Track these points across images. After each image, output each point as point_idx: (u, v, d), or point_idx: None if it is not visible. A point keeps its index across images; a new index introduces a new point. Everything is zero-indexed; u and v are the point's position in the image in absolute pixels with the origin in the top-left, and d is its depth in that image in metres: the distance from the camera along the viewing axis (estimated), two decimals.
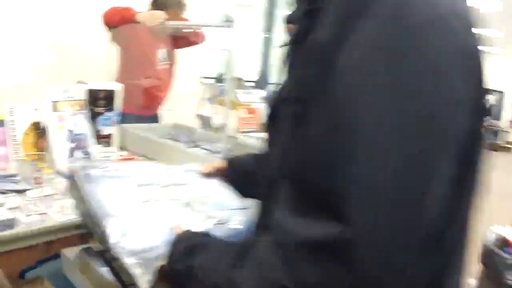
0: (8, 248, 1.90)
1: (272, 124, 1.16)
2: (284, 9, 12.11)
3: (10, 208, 1.98)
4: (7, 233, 1.83)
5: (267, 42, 8.60)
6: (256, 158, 1.54)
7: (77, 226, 1.99)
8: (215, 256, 1.02)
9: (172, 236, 1.12)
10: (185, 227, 1.17)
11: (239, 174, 1.55)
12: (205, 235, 1.16)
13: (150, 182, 1.40)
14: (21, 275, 2.72)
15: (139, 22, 3.45)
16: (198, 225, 1.23)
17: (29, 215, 1.94)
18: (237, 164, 1.60)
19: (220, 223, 1.29)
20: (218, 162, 1.62)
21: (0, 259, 2.62)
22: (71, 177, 1.38)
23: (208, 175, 1.55)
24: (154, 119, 4.07)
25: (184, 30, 4.14)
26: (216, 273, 0.97)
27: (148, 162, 2.89)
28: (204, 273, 1.00)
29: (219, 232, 1.22)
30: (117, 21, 3.59)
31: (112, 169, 1.43)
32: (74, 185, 1.34)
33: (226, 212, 1.36)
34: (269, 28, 8.54)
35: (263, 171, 1.20)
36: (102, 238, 1.14)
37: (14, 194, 2.17)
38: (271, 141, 1.19)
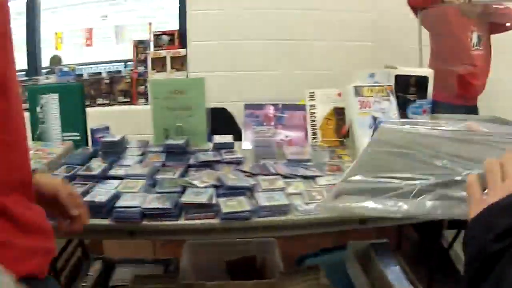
0: (283, 233, 1.78)
1: None
2: None
3: (291, 194, 1.85)
4: (278, 219, 1.70)
5: None
6: None
7: (361, 221, 1.76)
8: None
9: None
10: None
11: None
12: None
13: None
14: (300, 261, 2.64)
15: (445, 1, 3.12)
16: None
17: (308, 203, 1.76)
18: None
19: None
20: None
21: (285, 244, 2.63)
22: None
23: None
24: (471, 110, 3.61)
25: (495, 13, 3.68)
26: None
27: None
28: None
29: None
30: (423, 2, 3.33)
31: None
32: None
33: None
34: None
35: None
36: None
37: (300, 179, 2.03)
38: None
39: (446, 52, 3.55)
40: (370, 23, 4.28)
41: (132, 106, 3.85)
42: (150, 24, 4.23)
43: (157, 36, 3.98)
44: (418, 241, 3.48)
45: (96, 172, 1.93)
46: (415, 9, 3.45)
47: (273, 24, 4.00)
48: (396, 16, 4.21)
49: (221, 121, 2.65)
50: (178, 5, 4.01)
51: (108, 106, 3.88)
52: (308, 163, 2.25)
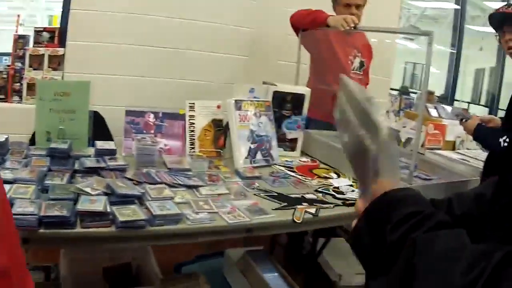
0: (172, 242, 1.85)
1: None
2: (472, 25, 11.61)
3: (179, 203, 1.93)
4: (172, 227, 1.77)
5: (454, 57, 8.21)
6: (447, 203, 1.35)
7: (247, 230, 1.91)
8: (445, 249, 0.84)
9: None
10: None
11: None
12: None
13: None
14: (177, 269, 2.73)
15: (329, 26, 3.26)
16: None
17: (198, 212, 1.88)
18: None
19: None
20: None
21: (160, 252, 2.70)
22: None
23: None
24: None
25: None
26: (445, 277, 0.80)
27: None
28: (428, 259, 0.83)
29: None
30: (307, 23, 3.42)
31: None
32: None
33: None
34: (457, 43, 8.14)
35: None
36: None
37: (185, 188, 2.13)
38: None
39: (324, 73, 3.71)
40: (248, 36, 4.40)
41: (6, 104, 3.70)
42: (18, 16, 4.06)
43: (38, 32, 3.85)
44: (288, 247, 3.65)
45: None
46: (297, 29, 3.54)
47: (156, 31, 3.99)
48: (274, 31, 4.38)
49: (95, 125, 2.65)
50: (62, 1, 3.89)
51: None
52: (189, 173, 2.34)
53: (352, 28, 3.08)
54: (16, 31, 3.84)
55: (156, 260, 2.62)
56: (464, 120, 3.16)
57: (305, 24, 3.42)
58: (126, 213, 1.69)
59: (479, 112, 10.46)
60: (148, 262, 2.60)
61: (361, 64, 3.77)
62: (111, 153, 2.36)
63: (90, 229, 1.65)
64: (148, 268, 2.58)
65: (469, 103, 12.08)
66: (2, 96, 3.74)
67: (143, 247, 2.63)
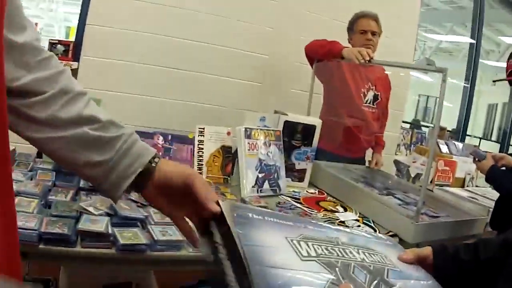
0: (172, 268, 1.86)
1: None
2: (487, 59, 11.63)
3: None
4: (173, 253, 1.76)
5: (468, 92, 8.18)
6: (473, 247, 1.34)
7: None
8: None
9: None
10: None
11: (447, 261, 1.34)
12: None
13: (320, 236, 1.16)
14: None
15: (344, 58, 3.26)
16: None
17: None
18: (446, 251, 1.37)
19: None
20: (424, 249, 1.38)
21: (161, 273, 2.67)
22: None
23: (408, 260, 1.30)
24: (357, 162, 3.79)
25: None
26: None
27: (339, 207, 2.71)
28: None
29: None
30: (322, 54, 3.42)
31: (272, 215, 1.18)
32: (220, 223, 1.10)
33: (409, 282, 1.14)
34: (471, 78, 8.12)
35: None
36: None
37: None
38: None
39: (337, 104, 3.71)
40: (263, 63, 4.41)
41: None
42: (36, 24, 4.08)
43: (52, 44, 3.87)
44: None
45: None
46: (312, 59, 3.54)
47: (171, 52, 4.01)
48: (288, 59, 4.39)
49: None
50: (79, 15, 3.92)
51: None
52: None
53: (367, 62, 3.06)
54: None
55: (157, 281, 2.60)
56: (477, 160, 3.14)
57: (320, 55, 3.42)
58: (127, 236, 1.68)
59: (490, 148, 10.42)
60: (148, 283, 2.58)
61: (375, 97, 3.76)
62: None
63: (90, 249, 1.64)
64: None
65: (480, 138, 12.06)
66: None
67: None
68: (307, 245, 1.07)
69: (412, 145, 5.77)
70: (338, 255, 1.08)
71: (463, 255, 1.33)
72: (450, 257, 1.34)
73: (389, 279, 1.08)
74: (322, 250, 1.07)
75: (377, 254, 1.18)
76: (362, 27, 3.64)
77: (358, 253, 1.13)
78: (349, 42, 3.72)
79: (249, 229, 1.05)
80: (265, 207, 2.41)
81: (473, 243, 1.36)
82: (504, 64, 2.97)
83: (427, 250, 1.34)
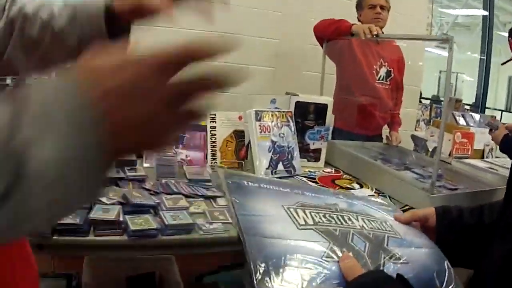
0: (185, 252, 1.89)
1: None
2: (504, 31, 11.52)
3: (193, 213, 1.93)
4: (184, 237, 1.78)
5: (484, 65, 8.09)
6: (478, 211, 1.34)
7: None
8: None
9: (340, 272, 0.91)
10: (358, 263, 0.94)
11: (451, 225, 1.32)
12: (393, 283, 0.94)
13: (318, 203, 1.15)
14: (199, 279, 2.71)
15: (353, 35, 3.23)
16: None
17: (212, 222, 1.87)
18: (449, 214, 1.35)
19: (405, 262, 1.04)
20: (424, 210, 1.35)
21: (183, 262, 2.69)
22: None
23: (403, 220, 1.28)
24: (373, 140, 3.81)
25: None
26: None
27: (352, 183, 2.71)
28: None
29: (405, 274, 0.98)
30: (331, 32, 3.41)
31: (268, 182, 1.19)
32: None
33: (409, 250, 1.11)
34: (486, 50, 8.03)
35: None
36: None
37: (201, 199, 2.13)
38: None
39: (350, 83, 3.70)
40: (274, 47, 4.40)
41: None
42: None
43: None
44: None
45: None
46: (321, 39, 3.52)
47: (182, 40, 4.04)
48: (299, 42, 4.37)
49: None
50: None
51: None
52: (208, 184, 2.33)
53: (374, 36, 3.05)
54: None
55: (179, 270, 2.62)
56: (493, 130, 3.12)
57: (329, 34, 3.40)
58: (138, 222, 1.70)
59: None
60: (171, 272, 2.60)
61: (388, 73, 3.73)
62: (131, 163, 2.37)
63: (103, 237, 1.66)
64: (170, 278, 2.58)
65: (502, 111, 11.89)
66: None
67: (166, 257, 2.63)
68: (304, 213, 1.06)
69: (432, 120, 5.71)
70: (336, 223, 1.08)
71: (467, 218, 1.32)
72: (454, 221, 1.32)
73: (389, 247, 1.07)
74: (320, 218, 1.07)
75: (376, 221, 1.18)
76: (371, 1, 3.64)
77: (357, 219, 1.13)
78: (358, 19, 3.71)
79: (244, 197, 1.05)
80: None
81: (478, 206, 1.35)
82: None
83: (429, 211, 1.33)
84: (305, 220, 1.03)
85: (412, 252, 1.11)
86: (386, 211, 1.29)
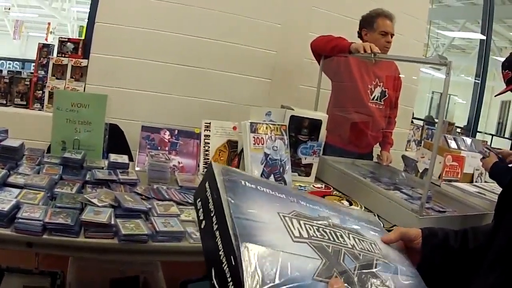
0: (174, 258, 1.88)
1: None
2: (499, 56, 11.57)
3: (185, 221, 1.94)
4: (174, 244, 1.79)
5: (479, 88, 8.14)
6: (462, 235, 1.37)
7: None
8: None
9: None
10: None
11: (436, 248, 1.34)
12: None
13: (312, 215, 1.15)
14: (183, 285, 2.71)
15: (351, 53, 3.25)
16: None
17: None
18: (435, 238, 1.37)
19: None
20: (410, 230, 1.37)
21: (168, 267, 2.69)
22: (209, 174, 1.09)
23: (391, 241, 1.30)
24: (364, 157, 3.78)
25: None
26: None
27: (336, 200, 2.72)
28: None
29: None
30: (329, 50, 3.42)
31: (265, 185, 1.16)
32: (213, 189, 1.05)
33: (395, 277, 1.13)
34: (481, 74, 8.08)
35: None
36: (228, 270, 0.89)
37: (192, 207, 2.12)
38: None
39: (344, 100, 3.71)
40: (271, 59, 4.42)
41: (28, 110, 3.75)
42: (49, 24, 4.13)
43: (62, 42, 3.91)
44: None
45: None
46: (318, 55, 3.53)
47: (180, 49, 4.02)
48: (297, 56, 4.39)
49: (113, 138, 2.69)
50: (88, 14, 3.95)
51: (4, 106, 3.76)
52: None
53: (373, 55, 3.06)
54: (46, 39, 3.91)
55: (164, 275, 2.62)
56: (483, 158, 3.17)
57: (326, 51, 3.41)
58: (130, 227, 1.71)
59: (502, 145, 10.35)
60: (156, 277, 2.61)
61: (383, 93, 3.75)
62: (124, 166, 2.39)
63: (93, 239, 1.67)
64: (155, 282, 2.58)
65: (492, 135, 11.96)
66: (24, 102, 3.80)
67: (152, 261, 2.64)
68: (299, 224, 1.06)
69: (423, 141, 5.74)
70: (329, 239, 1.08)
71: (452, 242, 1.34)
72: (439, 244, 1.34)
73: (377, 272, 1.08)
74: (314, 231, 1.07)
75: (366, 241, 1.19)
76: (384, 28, 3.64)
77: (349, 238, 1.14)
78: (363, 36, 3.70)
79: (240, 198, 1.02)
80: None
81: (462, 230, 1.38)
82: None
83: (415, 232, 1.35)
84: (300, 232, 1.03)
85: (398, 279, 1.13)
86: (374, 231, 1.30)
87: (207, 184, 1.07)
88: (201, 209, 1.06)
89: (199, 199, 1.09)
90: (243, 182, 1.10)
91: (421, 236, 1.35)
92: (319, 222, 1.12)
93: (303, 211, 1.13)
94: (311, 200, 1.24)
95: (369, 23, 3.70)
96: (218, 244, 0.93)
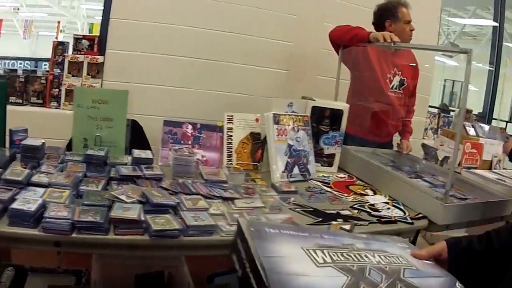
0: (205, 253, 1.84)
1: None
2: (511, 42, 11.47)
3: (213, 215, 1.92)
4: (205, 238, 1.77)
5: (492, 75, 8.07)
6: (486, 238, 1.41)
7: None
8: None
9: None
10: None
11: (462, 253, 1.40)
12: None
13: (336, 244, 1.22)
14: (210, 279, 2.70)
15: (370, 42, 3.22)
16: None
17: (232, 224, 1.85)
18: (459, 244, 1.43)
19: None
20: (437, 246, 1.43)
21: (193, 262, 2.68)
22: (238, 229, 1.22)
23: (423, 257, 1.36)
24: (384, 146, 3.80)
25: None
26: None
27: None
28: None
29: None
30: (349, 39, 3.40)
31: (287, 228, 1.27)
32: (243, 240, 1.17)
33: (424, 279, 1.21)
34: (495, 61, 8.00)
35: None
36: None
37: (220, 200, 2.12)
38: None
39: (363, 89, 3.68)
40: (288, 50, 4.39)
41: (44, 109, 3.75)
42: (58, 22, 4.12)
43: (77, 40, 3.90)
44: None
45: (21, 178, 1.89)
46: (337, 45, 3.51)
47: (197, 43, 4.02)
48: (313, 46, 4.37)
49: (132, 133, 2.68)
50: (102, 10, 3.93)
51: (21, 105, 3.77)
52: (225, 185, 2.33)
53: (393, 43, 3.04)
54: (56, 38, 3.89)
55: (189, 269, 2.61)
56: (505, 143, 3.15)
57: (346, 41, 3.39)
58: (160, 222, 1.69)
59: None
60: (181, 272, 2.60)
61: (401, 82, 3.72)
62: (148, 162, 2.37)
63: (123, 236, 1.65)
64: (180, 277, 2.57)
65: (507, 121, 11.86)
66: (40, 101, 3.79)
67: (176, 256, 2.62)
68: (323, 253, 1.14)
69: (439, 129, 5.70)
70: (353, 260, 1.14)
71: (477, 246, 1.39)
72: (464, 250, 1.40)
73: (406, 278, 1.14)
74: (338, 256, 1.14)
75: (392, 256, 1.25)
76: (407, 18, 3.64)
77: (374, 256, 1.20)
78: (387, 27, 3.66)
79: (266, 242, 1.12)
80: (295, 192, 2.41)
81: (485, 233, 1.42)
82: None
83: (441, 245, 1.41)
84: (323, 259, 1.10)
85: (426, 280, 1.19)
86: (401, 248, 1.35)
87: (238, 240, 1.19)
88: (237, 261, 1.18)
89: (233, 254, 1.21)
90: (267, 230, 1.19)
91: (447, 247, 1.40)
92: (343, 249, 1.20)
93: (326, 243, 1.21)
94: (334, 233, 1.34)
95: (392, 14, 3.67)
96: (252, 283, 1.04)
